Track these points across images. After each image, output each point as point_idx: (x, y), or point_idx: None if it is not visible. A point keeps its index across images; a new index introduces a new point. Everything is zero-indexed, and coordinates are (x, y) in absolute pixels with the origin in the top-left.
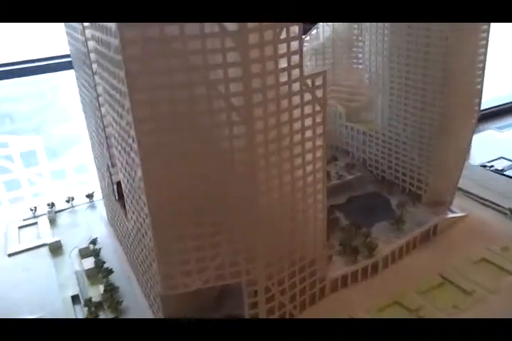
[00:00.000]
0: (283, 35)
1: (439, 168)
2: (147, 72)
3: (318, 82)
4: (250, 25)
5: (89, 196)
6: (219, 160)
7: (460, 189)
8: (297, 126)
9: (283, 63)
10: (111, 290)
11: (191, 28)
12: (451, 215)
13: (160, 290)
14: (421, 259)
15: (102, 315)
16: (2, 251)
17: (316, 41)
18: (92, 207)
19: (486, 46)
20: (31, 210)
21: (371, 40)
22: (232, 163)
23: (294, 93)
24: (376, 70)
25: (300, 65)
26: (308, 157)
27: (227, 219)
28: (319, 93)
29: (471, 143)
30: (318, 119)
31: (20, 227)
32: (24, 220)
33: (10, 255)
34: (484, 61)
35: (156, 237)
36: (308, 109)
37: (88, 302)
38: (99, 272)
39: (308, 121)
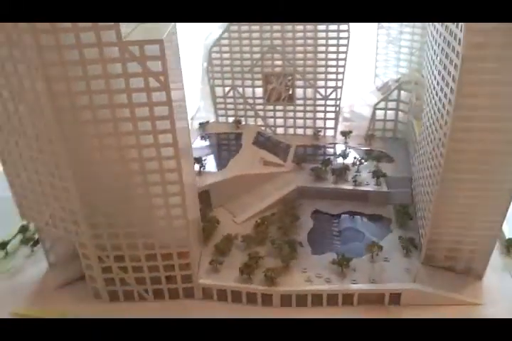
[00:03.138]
0: None
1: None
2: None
3: (153, 52)
4: None
5: None
6: None
7: None
8: (121, 99)
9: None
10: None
11: None
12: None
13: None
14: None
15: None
16: None
17: None
18: None
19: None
20: None
21: None
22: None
23: (108, 60)
24: None
25: (116, 28)
26: (147, 139)
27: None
28: (155, 66)
29: None
30: (160, 98)
31: None
32: None
33: None
34: None
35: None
36: (140, 83)
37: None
38: None
39: (142, 98)
